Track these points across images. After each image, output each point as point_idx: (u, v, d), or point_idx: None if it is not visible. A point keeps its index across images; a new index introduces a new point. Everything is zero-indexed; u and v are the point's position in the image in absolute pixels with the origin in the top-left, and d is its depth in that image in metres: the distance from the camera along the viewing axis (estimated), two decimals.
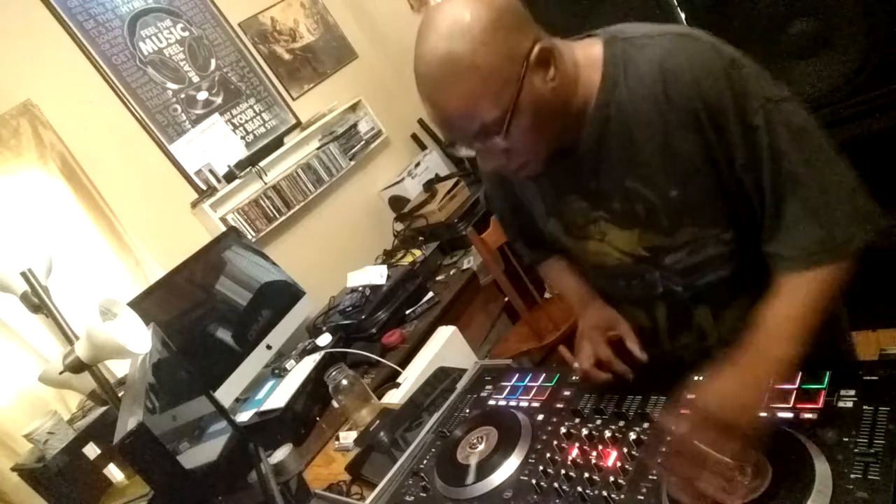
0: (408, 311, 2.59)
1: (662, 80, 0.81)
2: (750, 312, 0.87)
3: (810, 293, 0.80)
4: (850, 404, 0.73)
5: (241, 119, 3.09)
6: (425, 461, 1.10)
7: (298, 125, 3.28)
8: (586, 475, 0.85)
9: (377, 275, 2.67)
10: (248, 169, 2.89)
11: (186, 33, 2.98)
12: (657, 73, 0.81)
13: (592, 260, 1.03)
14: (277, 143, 3.14)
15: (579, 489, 0.83)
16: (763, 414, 0.77)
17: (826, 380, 0.78)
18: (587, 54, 0.87)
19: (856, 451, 0.67)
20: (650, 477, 0.80)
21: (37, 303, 1.40)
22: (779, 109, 0.79)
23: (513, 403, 1.10)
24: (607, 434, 0.90)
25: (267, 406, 2.01)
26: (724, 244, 0.91)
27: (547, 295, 2.58)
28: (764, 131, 0.79)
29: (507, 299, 2.56)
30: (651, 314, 1.03)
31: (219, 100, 3.02)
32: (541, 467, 0.91)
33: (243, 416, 2.03)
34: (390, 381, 1.99)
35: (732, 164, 0.83)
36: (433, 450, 1.11)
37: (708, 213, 0.88)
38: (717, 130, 0.81)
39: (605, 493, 0.81)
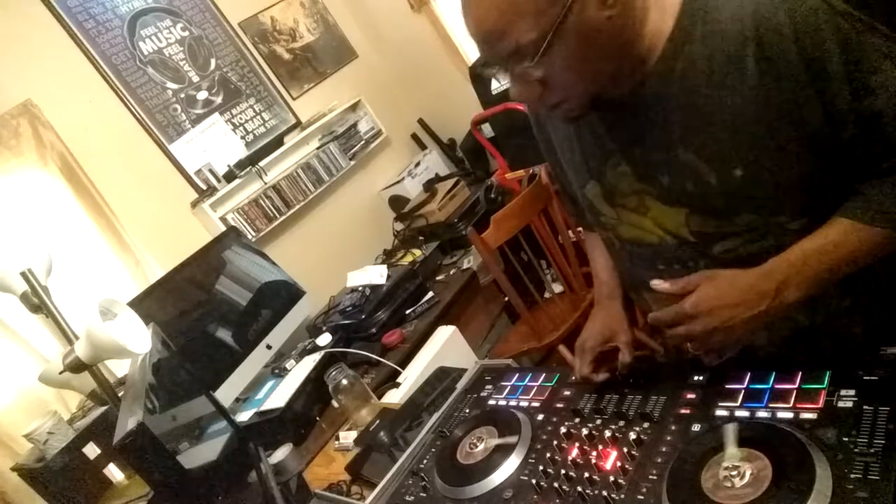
0: (408, 311, 2.59)
1: (756, 37, 0.70)
2: (807, 319, 0.83)
3: (861, 246, 0.73)
4: (850, 404, 0.73)
5: (241, 119, 3.10)
6: (425, 461, 1.10)
7: (298, 125, 3.28)
8: (586, 475, 0.85)
9: (377, 275, 2.67)
10: (248, 169, 2.89)
11: (186, 33, 2.98)
12: (749, 30, 0.70)
13: (630, 235, 0.93)
14: (277, 142, 3.15)
15: (579, 489, 0.83)
16: (741, 337, 0.78)
17: (826, 380, 0.78)
18: None
19: (856, 451, 0.67)
20: (650, 477, 0.80)
21: (37, 303, 1.40)
22: None
23: (513, 403, 1.10)
24: (607, 434, 0.90)
25: (267, 406, 2.01)
26: (789, 235, 0.78)
27: (547, 295, 2.58)
28: (883, 97, 0.68)
29: (507, 299, 2.56)
30: None
31: (219, 99, 3.03)
32: (541, 467, 0.91)
33: (243, 416, 2.03)
34: (390, 381, 1.99)
35: (836, 136, 0.72)
36: (433, 450, 1.11)
37: (775, 199, 0.77)
38: (819, 97, 0.70)
39: (605, 493, 0.81)
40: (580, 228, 1.21)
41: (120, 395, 1.39)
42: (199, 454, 1.22)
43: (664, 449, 0.83)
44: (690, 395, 0.89)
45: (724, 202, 0.79)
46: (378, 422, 1.45)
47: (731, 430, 0.75)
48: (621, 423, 0.91)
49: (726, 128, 0.75)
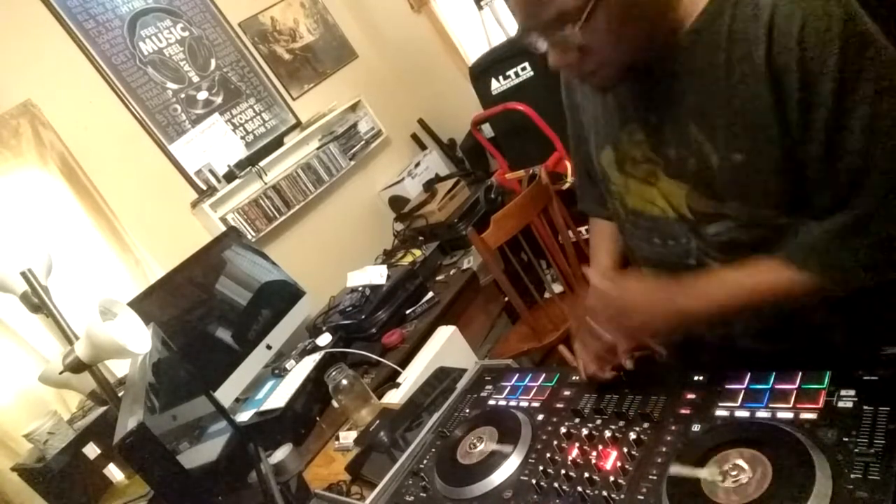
0: (408, 311, 2.59)
1: (768, 29, 0.69)
2: (784, 308, 0.84)
3: (782, 285, 0.78)
4: (850, 404, 0.73)
5: (241, 119, 3.10)
6: (425, 461, 1.10)
7: (298, 125, 3.28)
8: (586, 475, 0.85)
9: (377, 275, 2.67)
10: (248, 169, 2.89)
11: (186, 33, 2.99)
12: (766, 19, 0.70)
13: (635, 205, 0.94)
14: (277, 142, 3.15)
15: (579, 489, 0.83)
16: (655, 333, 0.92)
17: (826, 380, 0.78)
18: None
19: (856, 451, 0.67)
20: (650, 477, 0.80)
21: (37, 303, 1.40)
22: (893, 102, 0.67)
23: (513, 403, 1.10)
24: (607, 434, 0.90)
25: (267, 406, 2.01)
26: (777, 231, 0.81)
27: (547, 295, 2.58)
28: (859, 124, 0.68)
29: (507, 299, 2.56)
30: None
31: (219, 100, 3.03)
32: (541, 467, 0.91)
33: (243, 416, 2.03)
34: (390, 381, 1.99)
35: (805, 144, 0.72)
36: (433, 450, 1.11)
37: (766, 191, 0.78)
38: (803, 104, 0.70)
39: (605, 493, 0.81)
40: (580, 229, 1.24)
41: (120, 395, 1.39)
42: (199, 454, 1.22)
43: (664, 449, 0.83)
44: (690, 395, 0.89)
45: (719, 185, 0.80)
46: (378, 422, 1.45)
47: (678, 469, 0.77)
48: (621, 423, 0.91)
49: (735, 112, 0.75)
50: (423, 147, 3.79)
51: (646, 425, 0.88)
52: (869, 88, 0.67)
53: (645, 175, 0.90)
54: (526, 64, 2.74)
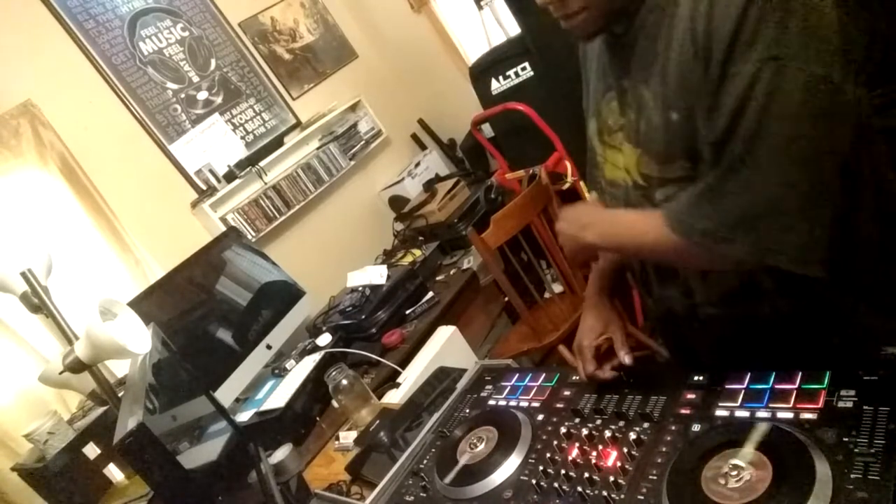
0: (408, 311, 2.59)
1: (693, 3, 0.71)
2: (742, 276, 0.85)
3: (660, 239, 0.80)
4: (850, 404, 0.73)
5: (241, 119, 3.10)
6: (425, 461, 1.10)
7: (298, 125, 3.28)
8: (586, 475, 0.85)
9: (377, 275, 2.67)
10: (248, 169, 2.89)
11: (186, 33, 2.99)
12: None
13: (609, 174, 0.96)
14: (277, 142, 3.15)
15: (579, 489, 0.83)
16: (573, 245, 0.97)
17: (826, 380, 0.78)
18: None
19: (856, 451, 0.67)
20: (650, 477, 0.80)
21: (37, 303, 1.40)
22: (782, 77, 0.65)
23: (513, 403, 1.10)
24: (607, 434, 0.90)
25: (267, 406, 2.01)
26: None
27: (547, 295, 2.58)
28: (740, 85, 0.67)
29: (507, 299, 2.56)
30: None
31: (219, 100, 3.03)
32: (541, 467, 0.91)
33: (243, 416, 2.03)
34: (390, 381, 1.99)
35: (706, 100, 0.73)
36: (433, 450, 1.11)
37: (705, 150, 0.77)
38: (705, 67, 0.70)
39: (605, 493, 0.81)
40: None
41: (120, 395, 1.39)
42: (199, 454, 1.22)
43: (664, 449, 0.83)
44: (690, 395, 0.89)
45: (663, 145, 0.80)
46: (378, 422, 1.45)
47: (759, 431, 0.75)
48: (621, 423, 0.91)
49: (670, 71, 0.76)
50: (423, 147, 3.79)
51: (646, 425, 0.88)
52: (759, 51, 0.66)
53: (617, 143, 0.91)
54: (526, 64, 2.73)
